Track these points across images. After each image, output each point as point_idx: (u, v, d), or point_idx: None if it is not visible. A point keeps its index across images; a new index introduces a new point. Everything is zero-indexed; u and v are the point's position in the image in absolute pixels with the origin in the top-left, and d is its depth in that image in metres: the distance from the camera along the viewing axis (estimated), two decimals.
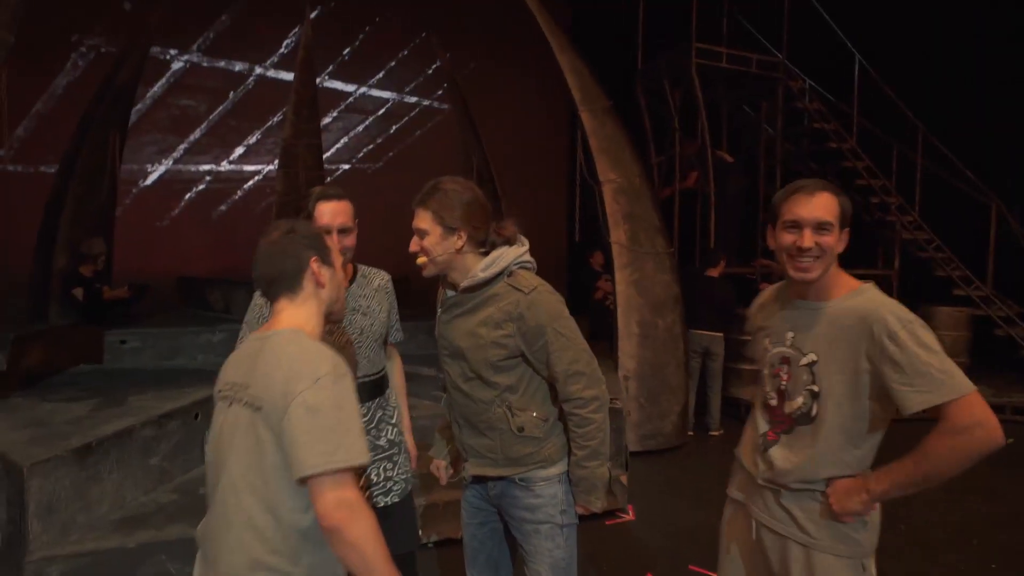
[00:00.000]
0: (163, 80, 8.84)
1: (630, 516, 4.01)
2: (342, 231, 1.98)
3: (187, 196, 9.01)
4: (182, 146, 9.02)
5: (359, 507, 1.27)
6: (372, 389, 2.09)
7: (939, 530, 3.85)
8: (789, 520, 1.64)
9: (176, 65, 8.91)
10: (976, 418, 1.43)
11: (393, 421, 2.15)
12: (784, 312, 1.71)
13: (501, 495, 1.89)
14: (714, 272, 5.75)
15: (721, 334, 5.59)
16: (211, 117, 9.14)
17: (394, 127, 10.20)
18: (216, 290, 7.14)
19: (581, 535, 3.25)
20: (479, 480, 1.93)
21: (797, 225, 1.59)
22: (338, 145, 10.01)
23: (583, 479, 1.83)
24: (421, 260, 1.81)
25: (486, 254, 1.82)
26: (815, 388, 1.60)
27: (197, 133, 9.07)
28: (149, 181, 8.91)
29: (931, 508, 4.10)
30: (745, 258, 7.28)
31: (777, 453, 1.66)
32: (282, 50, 9.35)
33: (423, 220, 1.78)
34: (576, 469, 1.83)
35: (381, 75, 10.05)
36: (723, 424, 5.73)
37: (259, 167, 9.47)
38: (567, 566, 1.87)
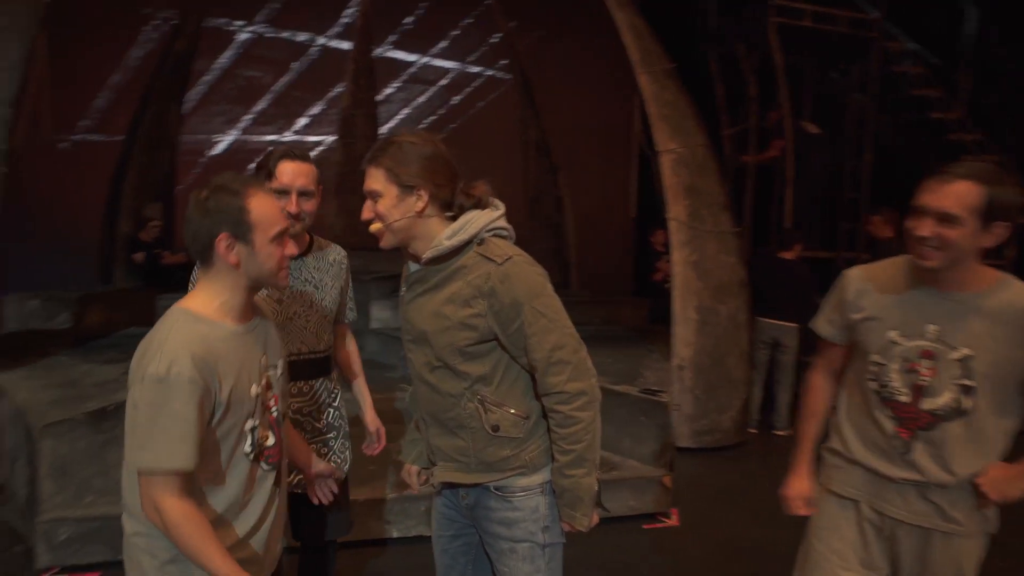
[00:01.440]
0: (229, 51, 8.91)
1: (673, 521, 3.64)
2: (302, 194, 1.82)
3: (250, 166, 9.08)
4: (247, 116, 9.09)
5: (163, 507, 1.29)
6: (317, 366, 1.95)
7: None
8: (934, 512, 1.64)
9: (242, 36, 8.94)
10: None
11: (335, 403, 2.02)
12: (911, 302, 1.63)
13: (474, 505, 1.63)
14: (788, 255, 5.19)
15: (795, 325, 5.02)
16: (275, 87, 9.16)
17: (456, 98, 9.95)
18: None
19: (615, 538, 2.91)
20: (450, 486, 1.67)
21: (921, 212, 1.55)
22: (400, 116, 9.84)
23: (566, 490, 1.56)
24: (375, 227, 1.53)
25: (454, 219, 1.54)
26: (969, 383, 1.58)
27: (262, 104, 9.12)
28: (217, 151, 9.05)
29: None
30: (827, 242, 6.61)
31: (923, 454, 1.62)
32: (344, 19, 9.23)
33: (375, 180, 1.51)
34: (558, 478, 1.57)
35: (444, 44, 9.78)
36: (792, 423, 5.21)
37: (321, 137, 9.46)
38: None
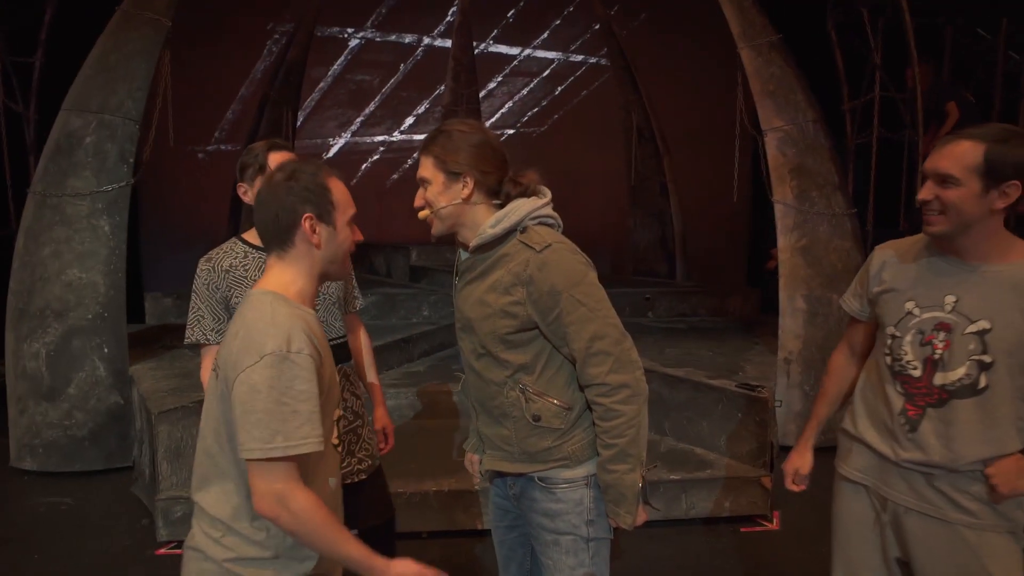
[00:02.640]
0: (342, 58, 9.36)
1: (773, 525, 3.39)
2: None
3: (363, 167, 9.52)
4: (358, 119, 9.52)
5: (290, 497, 1.21)
6: (334, 353, 1.93)
7: None
8: (945, 501, 1.55)
9: (353, 43, 9.37)
10: None
11: (358, 392, 2.02)
12: (931, 273, 1.56)
13: (520, 495, 1.63)
14: None
15: None
16: (384, 90, 9.53)
17: (559, 88, 9.86)
18: (380, 255, 7.47)
19: (709, 540, 2.82)
20: (500, 475, 1.68)
21: (923, 176, 1.52)
22: (503, 110, 9.91)
23: (609, 486, 1.53)
24: (423, 214, 1.56)
25: (501, 207, 1.54)
26: (986, 358, 1.49)
27: (371, 106, 9.52)
28: (331, 153, 9.56)
29: None
30: None
31: (929, 432, 1.54)
32: (448, 18, 9.41)
33: (425, 168, 1.54)
34: (602, 473, 1.54)
35: (545, 35, 9.73)
36: None
37: (425, 136, 9.74)
38: None
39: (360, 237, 1.47)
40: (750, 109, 4.70)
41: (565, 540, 1.56)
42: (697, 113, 8.65)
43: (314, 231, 1.32)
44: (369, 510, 1.99)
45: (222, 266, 1.84)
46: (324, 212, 1.33)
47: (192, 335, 1.88)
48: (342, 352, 1.96)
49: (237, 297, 1.82)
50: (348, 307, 2.06)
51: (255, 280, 1.81)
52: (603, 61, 9.62)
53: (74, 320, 3.90)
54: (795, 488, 1.84)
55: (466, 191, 1.51)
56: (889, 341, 1.61)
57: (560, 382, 1.54)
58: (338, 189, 1.37)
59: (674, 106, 8.15)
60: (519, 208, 1.52)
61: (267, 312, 1.25)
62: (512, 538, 1.73)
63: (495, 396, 1.57)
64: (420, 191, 1.56)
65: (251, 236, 1.90)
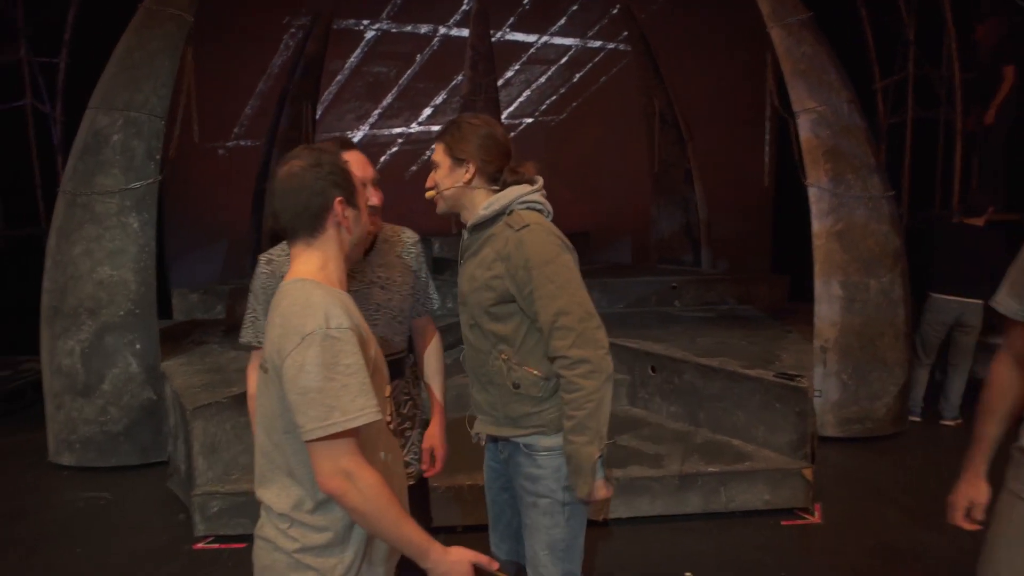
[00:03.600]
0: (358, 50, 9.32)
1: (815, 518, 3.31)
2: (374, 182, 1.77)
3: (382, 159, 9.49)
4: (376, 111, 9.49)
5: (357, 474, 1.21)
6: (392, 370, 1.78)
7: None
8: None
9: (369, 34, 9.32)
10: None
11: (410, 395, 1.93)
12: None
13: (508, 460, 1.78)
14: (978, 221, 4.50)
15: (981, 301, 4.36)
16: (401, 81, 9.47)
17: (578, 75, 9.73)
18: None
19: (749, 533, 2.67)
20: (493, 440, 1.84)
21: None
22: (520, 99, 9.82)
23: (570, 456, 1.64)
24: (430, 194, 1.75)
25: (497, 193, 1.72)
26: None
27: (389, 98, 9.47)
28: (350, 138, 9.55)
29: None
30: (1015, 203, 5.64)
31: None
32: (464, 7, 9.32)
33: (436, 153, 1.73)
34: (564, 443, 1.66)
35: (563, 21, 9.59)
36: (964, 412, 4.57)
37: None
38: (567, 548, 1.72)
39: (376, 201, 1.62)
40: (780, 90, 4.59)
41: (543, 503, 1.70)
42: (721, 97, 8.49)
43: (344, 214, 1.34)
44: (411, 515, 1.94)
45: (281, 271, 1.75)
46: (350, 195, 1.36)
47: (245, 335, 1.81)
48: (397, 368, 1.85)
49: None
50: (420, 308, 1.94)
51: None
52: (622, 46, 9.48)
53: (107, 317, 3.92)
54: (970, 526, 1.62)
55: (467, 176, 1.69)
56: None
57: (539, 354, 1.67)
58: (354, 169, 1.42)
59: (697, 90, 8.00)
60: (509, 193, 1.69)
61: (301, 297, 1.26)
62: (503, 499, 1.87)
63: (483, 364, 1.74)
64: (432, 173, 1.74)
65: None
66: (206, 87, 5.52)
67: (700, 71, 8.31)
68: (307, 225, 1.32)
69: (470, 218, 1.72)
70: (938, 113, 5.66)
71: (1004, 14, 5.20)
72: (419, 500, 1.94)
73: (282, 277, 1.74)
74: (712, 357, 3.96)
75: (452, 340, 4.92)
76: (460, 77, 8.96)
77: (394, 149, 9.55)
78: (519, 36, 9.64)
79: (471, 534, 3.10)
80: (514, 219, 1.66)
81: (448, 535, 3.02)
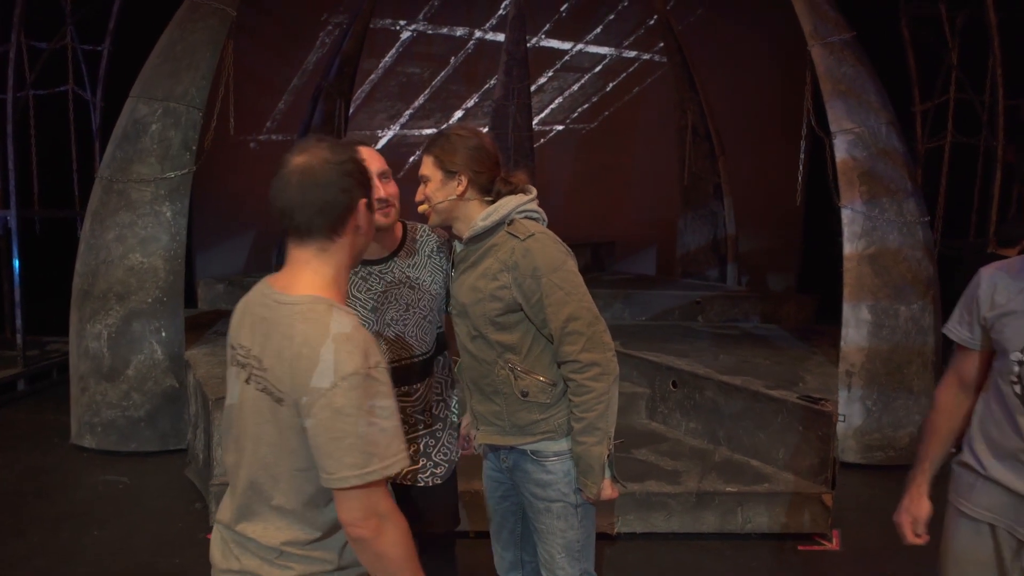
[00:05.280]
0: (393, 50, 9.39)
1: (833, 545, 3.25)
2: (383, 176, 1.72)
3: (411, 159, 9.54)
4: (407, 112, 9.55)
5: (390, 517, 1.15)
6: (419, 369, 1.84)
7: None
8: None
9: (405, 35, 9.39)
10: None
11: (441, 396, 1.92)
12: None
13: (514, 468, 1.78)
14: (1011, 252, 4.39)
15: None
16: (434, 83, 9.52)
17: (611, 84, 9.71)
18: None
19: (764, 556, 2.72)
20: (493, 449, 1.84)
21: None
22: (552, 106, 9.82)
23: (579, 457, 1.67)
24: (423, 208, 1.74)
25: (492, 203, 1.71)
26: None
27: (421, 99, 9.53)
28: (379, 145, 9.60)
29: None
30: None
31: None
32: (501, 12, 9.35)
33: (426, 166, 1.72)
34: (573, 445, 1.69)
35: (599, 30, 9.58)
36: None
37: None
38: (582, 548, 1.76)
39: (388, 192, 1.57)
40: (817, 109, 4.53)
41: (556, 507, 1.72)
42: (755, 112, 8.41)
43: (367, 219, 1.22)
44: (436, 516, 1.93)
45: None
46: (371, 199, 1.24)
47: None
48: (426, 369, 1.86)
49: None
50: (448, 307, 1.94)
51: (358, 299, 1.76)
52: (657, 57, 9.44)
53: (135, 304, 3.98)
54: (917, 541, 1.67)
55: (460, 188, 1.68)
56: (1016, 368, 1.48)
57: (545, 361, 1.70)
58: (369, 160, 1.36)
59: (731, 104, 7.93)
60: (507, 203, 1.69)
61: (330, 325, 1.12)
62: (504, 507, 1.89)
63: (487, 375, 1.73)
64: (421, 187, 1.72)
65: None
66: (242, 81, 5.60)
67: (735, 85, 8.24)
68: (327, 226, 1.17)
69: (465, 230, 1.71)
70: (979, 140, 5.54)
71: None
72: (448, 496, 1.95)
73: None
74: (735, 375, 3.91)
75: None
76: (493, 81, 8.99)
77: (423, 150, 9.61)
78: (554, 43, 9.65)
79: (481, 540, 3.09)
80: (517, 228, 1.66)
81: (460, 540, 3.02)
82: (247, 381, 1.22)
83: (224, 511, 1.29)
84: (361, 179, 1.21)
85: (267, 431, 1.19)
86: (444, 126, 1.76)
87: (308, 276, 1.19)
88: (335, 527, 1.22)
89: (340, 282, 1.22)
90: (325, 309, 1.15)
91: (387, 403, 1.14)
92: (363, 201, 1.21)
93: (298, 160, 1.17)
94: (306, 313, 1.15)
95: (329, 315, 1.14)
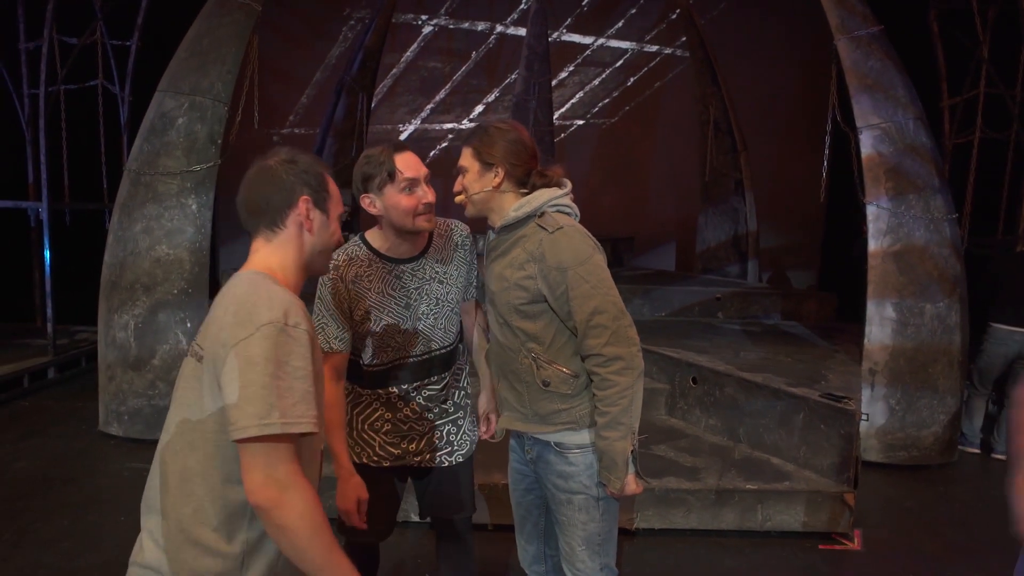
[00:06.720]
0: (415, 44, 9.42)
1: (854, 545, 3.22)
2: (427, 180, 1.77)
3: (432, 153, 9.57)
4: (429, 106, 9.57)
5: (292, 486, 1.10)
6: (448, 360, 1.92)
7: None
8: None
9: (426, 30, 9.41)
10: None
11: (461, 384, 1.98)
12: None
13: (537, 459, 1.80)
14: None
15: None
16: (455, 77, 9.54)
17: (632, 79, 9.65)
18: None
19: (785, 554, 2.66)
20: (518, 439, 1.87)
21: None
22: (573, 100, 9.78)
23: (603, 452, 1.67)
24: (459, 198, 1.75)
25: (526, 196, 1.74)
26: None
27: (442, 93, 9.55)
28: (401, 139, 9.65)
29: None
30: None
31: None
32: (523, 6, 9.33)
33: (464, 158, 1.74)
34: (597, 439, 1.68)
35: (620, 24, 9.52)
36: None
37: None
38: (603, 542, 1.76)
39: (340, 240, 1.39)
40: (841, 104, 4.47)
41: (578, 499, 1.72)
42: (778, 107, 8.32)
43: (308, 215, 1.28)
44: (453, 499, 1.97)
45: (348, 277, 1.79)
46: (320, 198, 1.30)
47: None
48: (450, 359, 1.92)
49: (361, 309, 1.80)
50: (466, 295, 1.97)
51: (379, 292, 1.80)
52: (678, 52, 9.36)
53: (161, 294, 4.05)
54: None
55: (497, 180, 1.70)
56: None
57: (568, 352, 1.70)
58: (334, 187, 1.33)
59: (753, 100, 7.85)
60: (540, 196, 1.71)
61: (261, 287, 1.18)
62: (528, 500, 1.89)
63: (511, 362, 1.75)
64: (459, 178, 1.75)
65: (373, 237, 1.84)
66: (266, 75, 5.66)
67: (758, 80, 8.16)
68: (268, 218, 1.26)
69: (499, 220, 1.73)
70: (1008, 135, 5.43)
71: None
72: (464, 479, 1.98)
73: (350, 280, 1.79)
74: (756, 372, 3.88)
75: None
76: (514, 75, 8.98)
77: (444, 144, 9.63)
78: (575, 37, 9.61)
79: (500, 533, 3.11)
80: (547, 221, 1.68)
81: (478, 533, 3.05)
82: (189, 356, 1.25)
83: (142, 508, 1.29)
84: (308, 179, 1.28)
85: (189, 396, 1.20)
86: (482, 120, 1.73)
87: (257, 259, 1.28)
88: (239, 514, 1.18)
89: (288, 273, 1.27)
90: (261, 279, 1.21)
91: (301, 364, 1.13)
92: (303, 198, 1.27)
93: (258, 162, 1.30)
94: (246, 278, 1.22)
95: (265, 283, 1.20)
